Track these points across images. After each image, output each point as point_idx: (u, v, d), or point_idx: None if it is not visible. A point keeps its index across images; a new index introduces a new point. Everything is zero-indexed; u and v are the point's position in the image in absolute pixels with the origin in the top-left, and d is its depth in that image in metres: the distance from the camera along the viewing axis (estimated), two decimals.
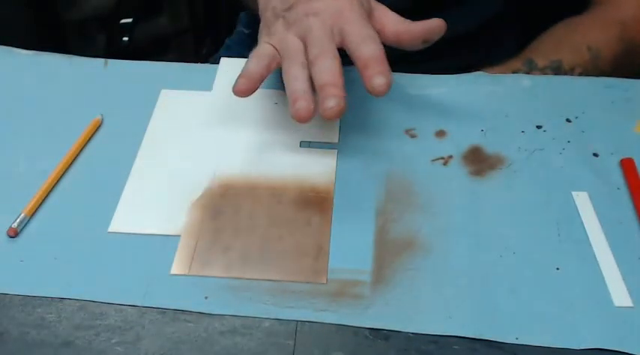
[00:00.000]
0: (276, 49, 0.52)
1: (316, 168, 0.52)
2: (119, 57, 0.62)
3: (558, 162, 0.53)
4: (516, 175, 0.52)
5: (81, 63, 0.62)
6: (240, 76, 0.50)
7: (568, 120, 0.56)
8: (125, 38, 0.96)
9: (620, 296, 0.44)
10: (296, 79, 0.49)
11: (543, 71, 0.64)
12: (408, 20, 0.53)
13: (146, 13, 1.08)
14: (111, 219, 0.48)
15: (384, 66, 0.48)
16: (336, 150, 0.54)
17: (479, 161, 0.53)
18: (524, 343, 0.41)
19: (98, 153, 0.53)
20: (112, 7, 1.03)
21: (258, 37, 0.54)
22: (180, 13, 1.29)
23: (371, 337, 0.42)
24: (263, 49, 0.52)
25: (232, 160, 0.53)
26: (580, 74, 0.64)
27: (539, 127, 0.56)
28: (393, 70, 0.60)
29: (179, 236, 0.47)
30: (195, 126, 0.56)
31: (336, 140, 0.54)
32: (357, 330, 0.42)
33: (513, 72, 0.64)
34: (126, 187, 0.50)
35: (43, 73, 0.60)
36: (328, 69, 0.48)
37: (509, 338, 0.42)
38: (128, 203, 0.49)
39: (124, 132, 0.55)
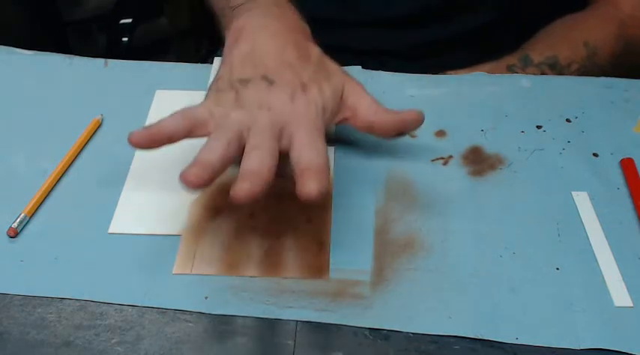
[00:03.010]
0: (210, 118, 0.46)
1: None
2: (119, 57, 0.62)
3: (558, 162, 0.53)
4: (516, 175, 0.52)
5: (81, 63, 0.62)
6: (142, 129, 0.45)
7: (568, 120, 0.56)
8: (125, 39, 0.96)
9: (620, 296, 0.44)
10: (210, 150, 0.44)
11: (539, 67, 0.64)
12: (383, 108, 0.49)
13: (146, 14, 1.08)
14: (111, 219, 0.48)
15: (323, 175, 0.43)
16: (333, 147, 0.54)
17: (479, 161, 0.53)
18: (524, 343, 0.41)
19: (98, 153, 0.53)
20: (112, 8, 1.03)
21: (208, 91, 0.49)
22: (180, 14, 1.29)
23: (371, 337, 0.42)
24: (195, 111, 0.46)
25: None
26: (577, 70, 0.64)
27: (539, 127, 0.56)
28: (394, 66, 0.61)
29: (179, 236, 0.47)
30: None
31: (332, 136, 0.54)
32: (357, 330, 0.42)
33: (508, 67, 0.64)
34: (124, 188, 0.50)
35: (43, 73, 0.60)
36: (260, 160, 0.43)
37: (509, 338, 0.42)
38: (127, 204, 0.49)
39: (124, 132, 0.55)
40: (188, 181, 0.42)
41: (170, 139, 0.45)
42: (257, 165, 0.43)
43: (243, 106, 0.46)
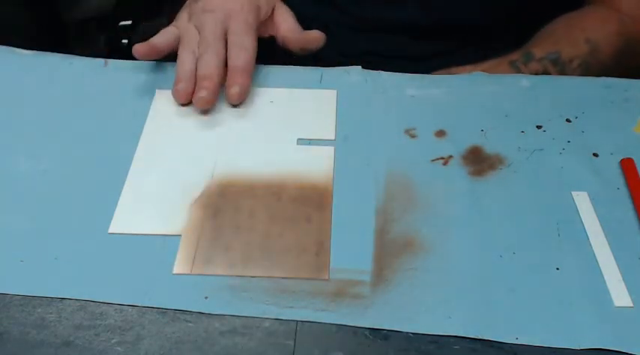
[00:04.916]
0: (178, 32, 0.60)
1: (314, 164, 0.52)
2: (119, 57, 0.62)
3: (558, 162, 0.53)
4: (516, 175, 0.52)
5: (81, 63, 0.62)
6: (144, 43, 0.58)
7: (568, 120, 0.56)
8: (124, 40, 0.96)
9: (620, 296, 0.44)
10: (183, 64, 0.57)
11: (541, 62, 0.64)
12: (298, 29, 0.63)
13: (146, 14, 1.08)
14: (111, 219, 0.48)
15: (243, 78, 0.56)
16: (333, 147, 0.54)
17: (479, 161, 0.53)
18: (524, 343, 0.41)
19: (99, 152, 0.53)
20: (112, 8, 1.03)
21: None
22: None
23: (371, 337, 0.42)
24: (170, 29, 0.61)
25: (230, 159, 0.53)
26: (579, 66, 0.65)
27: (539, 127, 0.56)
28: (394, 67, 0.61)
29: (179, 235, 0.47)
30: (192, 126, 0.56)
31: (332, 137, 0.55)
32: (357, 330, 0.42)
33: (511, 63, 0.64)
34: (124, 188, 0.50)
35: (43, 73, 0.60)
36: (207, 63, 0.56)
37: (509, 338, 0.42)
38: (127, 204, 0.49)
39: (123, 132, 0.55)
40: (179, 96, 0.56)
41: (161, 51, 0.58)
42: (207, 70, 0.56)
43: (192, 16, 0.60)
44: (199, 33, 0.58)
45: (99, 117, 0.56)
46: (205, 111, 0.57)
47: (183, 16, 0.62)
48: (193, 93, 0.56)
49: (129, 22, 0.98)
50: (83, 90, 0.59)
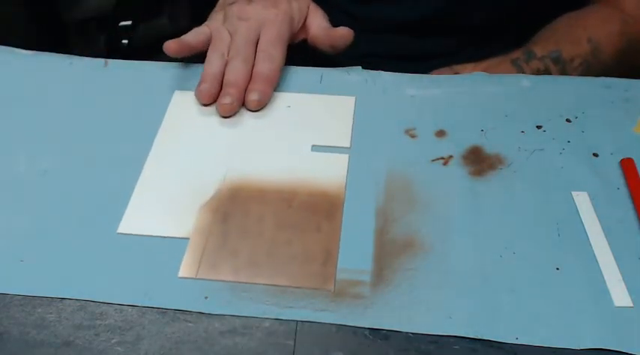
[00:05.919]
0: (210, 32, 0.60)
1: (327, 172, 0.51)
2: (119, 57, 0.62)
3: (558, 162, 0.53)
4: (516, 175, 0.52)
5: (81, 63, 0.62)
6: (175, 40, 0.57)
7: (568, 120, 0.56)
8: (124, 41, 0.96)
9: (620, 296, 0.44)
10: (211, 65, 0.57)
11: (542, 60, 0.64)
12: (327, 28, 0.62)
13: (146, 14, 1.08)
14: (114, 218, 0.48)
15: (264, 85, 0.56)
16: (347, 155, 0.53)
17: (479, 161, 0.53)
18: (524, 343, 0.41)
19: (98, 152, 0.53)
20: (112, 8, 1.03)
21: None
22: (180, 14, 1.29)
23: (371, 337, 0.42)
24: (202, 29, 0.60)
25: (243, 163, 0.52)
26: (580, 65, 0.65)
27: (539, 127, 0.56)
28: (395, 67, 0.61)
29: (187, 238, 0.47)
30: (207, 128, 0.55)
31: (347, 144, 0.54)
32: (357, 330, 0.42)
33: (512, 61, 0.64)
34: (136, 188, 0.50)
35: (43, 73, 0.60)
36: (236, 70, 0.56)
37: (509, 338, 0.42)
38: (138, 204, 0.49)
39: (123, 132, 0.55)
40: (202, 96, 0.56)
41: (192, 49, 0.58)
42: (234, 77, 0.56)
43: (227, 20, 0.60)
44: (231, 37, 0.58)
45: (99, 117, 0.56)
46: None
47: (217, 18, 0.61)
48: (215, 95, 0.56)
49: (129, 22, 0.98)
50: (83, 91, 0.59)
